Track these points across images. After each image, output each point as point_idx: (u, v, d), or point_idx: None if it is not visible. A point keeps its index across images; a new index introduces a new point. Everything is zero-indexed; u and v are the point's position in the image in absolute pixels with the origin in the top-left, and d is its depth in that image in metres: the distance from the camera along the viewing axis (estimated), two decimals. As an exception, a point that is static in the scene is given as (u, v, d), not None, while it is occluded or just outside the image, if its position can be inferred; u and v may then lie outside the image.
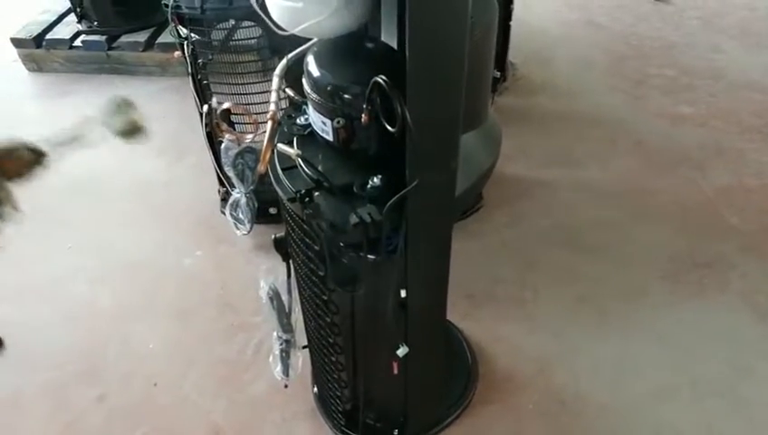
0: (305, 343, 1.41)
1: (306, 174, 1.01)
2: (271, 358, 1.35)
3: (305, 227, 1.01)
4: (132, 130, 1.09)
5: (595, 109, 2.56)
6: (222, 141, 1.63)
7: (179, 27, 1.64)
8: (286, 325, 1.28)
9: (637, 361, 1.62)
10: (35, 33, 2.98)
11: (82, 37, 2.94)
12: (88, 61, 2.94)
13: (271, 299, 1.24)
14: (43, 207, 2.24)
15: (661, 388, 1.56)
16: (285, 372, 1.34)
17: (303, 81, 0.99)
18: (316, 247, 1.01)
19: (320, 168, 1.00)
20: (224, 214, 1.86)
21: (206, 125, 1.79)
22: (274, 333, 1.30)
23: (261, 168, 0.98)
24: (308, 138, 1.06)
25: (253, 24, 1.63)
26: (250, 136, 1.12)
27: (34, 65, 3.04)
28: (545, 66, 2.82)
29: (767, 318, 1.71)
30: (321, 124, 0.98)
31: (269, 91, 1.04)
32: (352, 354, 1.24)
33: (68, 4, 3.04)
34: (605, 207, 2.09)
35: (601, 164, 2.27)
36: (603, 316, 1.74)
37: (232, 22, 1.68)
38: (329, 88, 0.93)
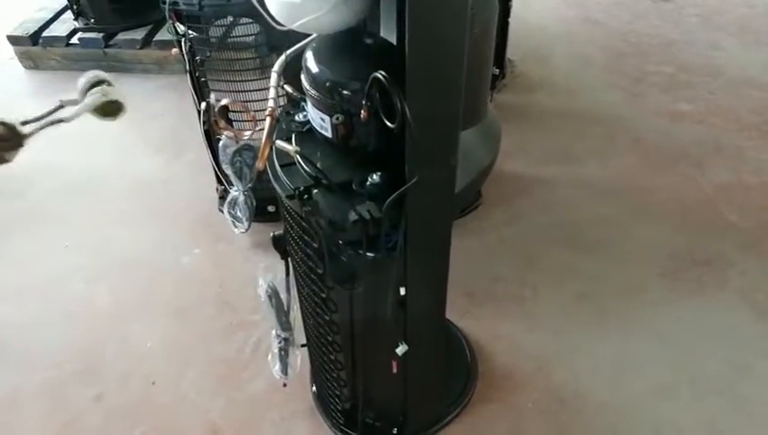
0: (304, 341, 1.40)
1: (305, 171, 1.00)
2: (269, 356, 1.34)
3: (304, 224, 1.00)
4: (110, 108, 1.08)
5: (594, 106, 2.56)
6: (220, 139, 1.63)
7: (177, 24, 1.64)
8: (285, 324, 1.27)
9: (636, 358, 1.62)
10: (32, 31, 2.97)
11: (79, 35, 2.93)
12: (85, 58, 2.93)
13: (269, 297, 1.23)
14: (40, 206, 2.23)
15: (661, 386, 1.56)
16: (284, 370, 1.33)
17: (302, 77, 0.98)
18: (315, 245, 1.00)
19: (318, 165, 0.99)
20: (222, 212, 1.86)
21: (205, 123, 1.78)
22: (273, 332, 1.30)
23: (259, 165, 0.97)
24: (306, 135, 1.05)
25: (251, 20, 1.62)
26: (248, 133, 1.11)
27: (31, 63, 3.03)
28: (544, 63, 2.81)
29: (766, 316, 1.71)
30: (320, 121, 0.98)
31: (267, 89, 1.04)
32: (351, 353, 1.24)
33: (65, 2, 3.02)
34: (604, 204, 2.08)
35: (600, 161, 2.27)
36: (602, 314, 1.74)
37: (230, 18, 1.67)
38: (328, 84, 0.93)
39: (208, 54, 1.70)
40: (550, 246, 1.94)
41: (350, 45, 0.97)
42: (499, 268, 1.87)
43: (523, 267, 1.87)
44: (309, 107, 1.01)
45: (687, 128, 2.42)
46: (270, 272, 1.24)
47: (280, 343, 1.30)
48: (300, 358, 1.35)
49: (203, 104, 1.73)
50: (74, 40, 2.94)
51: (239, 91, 1.71)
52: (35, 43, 2.97)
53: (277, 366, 1.33)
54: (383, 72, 0.83)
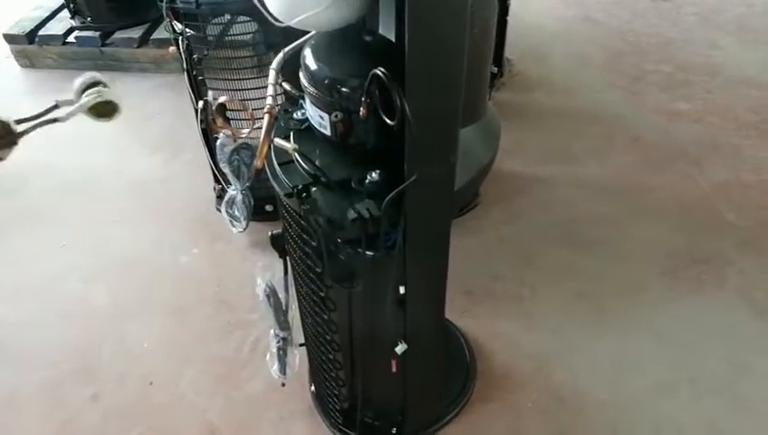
0: (302, 340, 1.39)
1: (303, 169, 1.00)
2: (268, 356, 1.33)
3: (302, 222, 1.00)
4: (104, 109, 1.08)
5: (592, 105, 2.56)
6: (218, 138, 1.62)
7: (174, 22, 1.63)
8: (283, 323, 1.27)
9: (635, 357, 1.62)
10: (28, 30, 2.96)
11: (76, 33, 2.92)
12: (81, 57, 2.92)
13: (267, 296, 1.22)
14: (37, 205, 2.22)
15: (660, 384, 1.56)
16: (282, 370, 1.33)
17: (300, 74, 0.97)
18: (313, 243, 1.00)
19: (317, 162, 0.99)
20: (219, 211, 1.85)
21: (202, 121, 1.77)
22: (271, 331, 1.29)
23: (258, 162, 0.97)
24: (305, 132, 1.05)
25: (248, 18, 1.61)
26: (246, 130, 1.10)
27: (27, 61, 3.02)
28: (542, 62, 2.81)
29: (765, 314, 1.71)
30: (319, 118, 0.97)
31: (265, 87, 1.03)
32: (350, 352, 1.23)
33: (61, 0, 3.01)
34: (603, 203, 2.08)
35: (599, 160, 2.27)
36: (601, 313, 1.74)
37: (227, 17, 1.66)
38: (326, 81, 0.92)
39: (206, 53, 1.70)
40: (548, 244, 1.94)
41: (349, 43, 0.97)
42: (498, 267, 1.87)
43: (521, 266, 1.87)
44: (307, 105, 1.00)
45: (686, 127, 2.42)
46: (268, 271, 1.23)
47: (278, 342, 1.29)
48: (298, 357, 1.34)
49: (200, 103, 1.73)
50: (71, 39, 2.93)
51: (237, 90, 1.70)
52: (32, 42, 2.96)
53: (275, 366, 1.32)
54: (383, 69, 0.83)
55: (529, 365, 1.61)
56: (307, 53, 0.97)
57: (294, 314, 1.29)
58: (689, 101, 2.54)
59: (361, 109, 0.88)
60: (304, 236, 1.02)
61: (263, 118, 0.98)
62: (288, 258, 1.21)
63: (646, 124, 2.43)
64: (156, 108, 2.67)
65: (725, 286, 1.79)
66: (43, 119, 0.95)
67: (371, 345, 1.22)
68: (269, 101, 0.98)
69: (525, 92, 2.62)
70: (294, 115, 1.07)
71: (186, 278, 1.91)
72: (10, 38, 2.97)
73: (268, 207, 1.86)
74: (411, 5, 0.76)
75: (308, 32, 1.01)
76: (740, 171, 2.19)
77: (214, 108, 1.12)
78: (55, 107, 1.06)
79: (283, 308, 1.25)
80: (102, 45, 2.88)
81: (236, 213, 1.74)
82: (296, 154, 0.99)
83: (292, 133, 1.06)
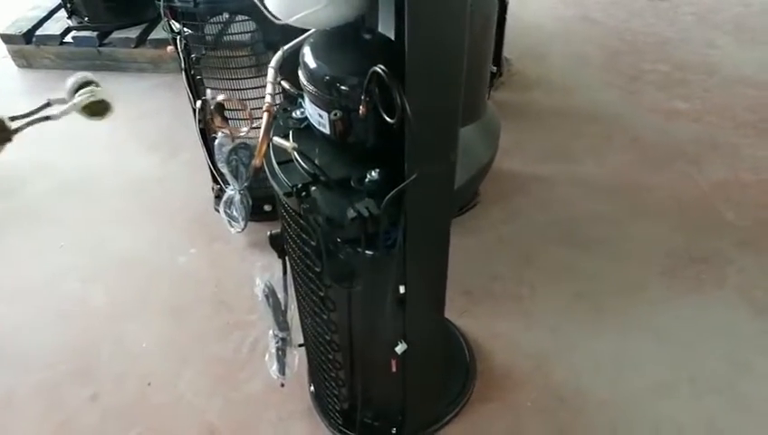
0: (301, 340, 1.39)
1: (303, 168, 0.99)
2: (267, 356, 1.33)
3: (301, 222, 0.99)
4: (97, 108, 1.08)
5: (590, 104, 2.56)
6: (216, 138, 1.62)
7: (172, 22, 1.62)
8: (282, 323, 1.26)
9: (635, 357, 1.62)
10: (25, 30, 2.94)
11: (73, 33, 2.91)
12: (78, 57, 2.90)
13: (266, 296, 1.22)
14: (35, 205, 2.21)
15: (660, 384, 1.56)
16: (281, 370, 1.32)
17: (299, 72, 0.97)
18: (313, 243, 0.99)
19: (316, 161, 0.98)
20: (218, 211, 1.85)
21: (200, 121, 1.76)
22: (270, 331, 1.29)
23: (256, 161, 0.96)
24: (304, 131, 1.04)
25: (247, 17, 1.61)
26: (245, 129, 1.09)
27: (24, 61, 3.00)
28: (540, 62, 2.81)
29: (764, 313, 1.71)
30: (318, 117, 0.97)
31: (263, 87, 1.02)
32: (350, 352, 1.22)
33: (58, 0, 3.00)
34: (602, 202, 2.08)
35: (597, 159, 2.27)
36: (600, 312, 1.73)
37: (225, 16, 1.66)
38: (326, 79, 0.92)
39: (204, 52, 1.69)
40: (547, 244, 1.94)
41: (348, 41, 0.96)
42: (497, 267, 1.87)
43: (520, 266, 1.87)
44: (306, 103, 1.00)
45: (684, 126, 2.42)
46: (267, 271, 1.23)
47: (277, 342, 1.29)
48: (297, 358, 1.34)
49: (198, 102, 1.72)
50: (68, 39, 2.92)
51: (235, 90, 1.70)
52: (29, 42, 2.94)
53: (275, 366, 1.32)
54: (382, 67, 0.82)
55: (528, 365, 1.61)
56: (306, 51, 0.97)
57: (293, 315, 1.29)
58: (687, 101, 2.55)
59: (361, 107, 0.88)
60: (303, 235, 1.01)
61: (261, 117, 0.97)
62: (287, 258, 1.20)
63: (644, 123, 2.43)
64: (153, 108, 2.66)
65: (725, 285, 1.79)
66: (36, 116, 0.95)
67: (371, 345, 1.22)
68: (268, 99, 0.97)
69: (524, 92, 2.62)
70: (293, 114, 1.07)
71: (184, 279, 1.90)
72: (7, 38, 2.96)
73: (267, 207, 1.86)
74: (411, 3, 0.75)
75: (307, 30, 1.01)
76: (738, 170, 2.19)
77: (212, 107, 1.12)
78: (47, 105, 1.06)
79: (282, 308, 1.25)
80: (100, 45, 2.87)
81: (235, 213, 1.73)
82: (295, 153, 0.99)
83: (291, 132, 1.05)
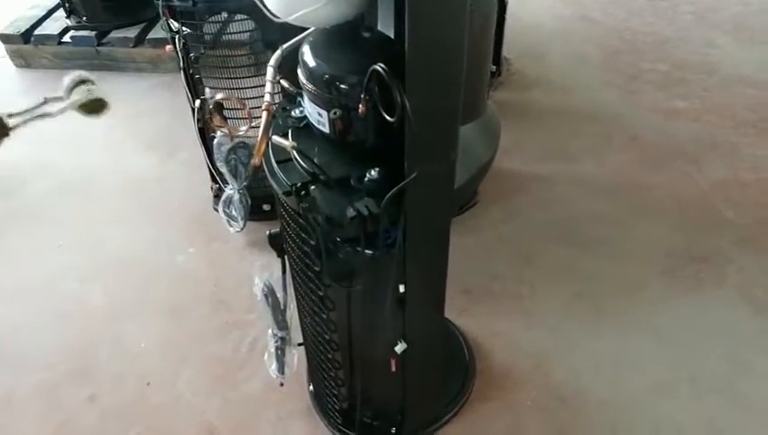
0: (301, 340, 1.39)
1: (302, 167, 0.99)
2: (266, 356, 1.33)
3: (301, 221, 0.99)
4: (94, 105, 1.09)
5: (590, 104, 2.56)
6: (214, 137, 1.61)
7: (171, 21, 1.62)
8: (281, 322, 1.26)
9: (635, 356, 1.62)
10: (23, 29, 2.94)
11: (71, 33, 2.90)
12: (77, 57, 2.90)
13: (265, 296, 1.22)
14: (34, 205, 2.21)
15: (660, 383, 1.55)
16: (281, 369, 1.32)
17: (299, 71, 0.97)
18: (312, 242, 0.99)
19: (316, 160, 0.98)
20: (217, 211, 1.84)
21: (199, 120, 1.76)
22: (269, 331, 1.28)
23: (256, 160, 0.96)
24: (303, 130, 1.04)
25: (245, 17, 1.61)
26: (244, 128, 1.09)
27: (22, 61, 3.00)
28: (540, 61, 2.81)
29: (764, 312, 1.71)
30: (317, 116, 0.96)
31: (262, 86, 1.02)
32: (349, 351, 1.22)
33: (57, 0, 2.99)
34: (601, 201, 2.08)
35: (597, 159, 2.26)
36: (600, 312, 1.73)
37: (224, 15, 1.65)
38: (325, 78, 0.91)
39: (202, 51, 1.69)
40: (547, 243, 1.94)
41: (348, 39, 0.96)
42: (497, 266, 1.86)
43: (520, 265, 1.87)
44: (306, 102, 1.00)
45: (683, 125, 2.42)
46: (266, 270, 1.22)
47: (276, 342, 1.29)
48: (297, 357, 1.34)
49: (197, 102, 1.72)
50: (66, 38, 2.91)
51: (234, 89, 1.69)
52: (27, 42, 2.94)
53: (274, 365, 1.32)
54: (382, 65, 0.82)
55: (528, 364, 1.60)
56: (305, 49, 0.96)
57: (293, 314, 1.29)
58: (686, 100, 2.54)
59: (360, 106, 0.88)
60: (303, 234, 1.01)
61: (260, 116, 0.97)
62: (286, 257, 1.20)
63: (643, 123, 2.43)
64: (152, 107, 2.66)
65: (725, 284, 1.79)
66: (34, 114, 0.96)
67: (370, 345, 1.21)
68: (267, 98, 0.97)
69: (523, 91, 2.61)
70: (292, 113, 1.06)
71: (183, 278, 1.90)
72: (5, 38, 2.95)
73: (266, 207, 1.86)
74: (411, 2, 0.75)
75: (306, 28, 1.01)
76: (738, 169, 2.19)
77: (211, 106, 1.11)
78: (44, 103, 1.07)
79: (282, 308, 1.24)
80: (98, 45, 2.87)
81: (234, 212, 1.73)
82: (294, 152, 0.98)
83: (290, 131, 1.05)
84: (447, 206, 1.05)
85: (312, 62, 0.94)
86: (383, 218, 0.93)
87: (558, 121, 2.45)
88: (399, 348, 1.15)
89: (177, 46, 1.66)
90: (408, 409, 1.36)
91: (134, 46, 2.86)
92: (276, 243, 1.18)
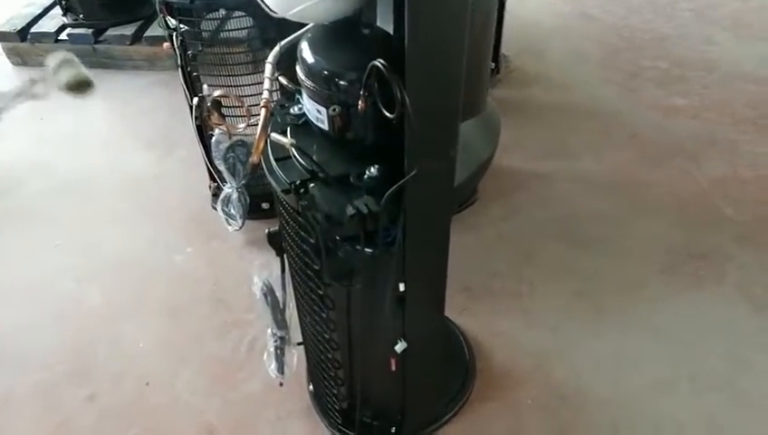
0: (300, 339, 1.38)
1: (301, 164, 0.98)
2: (265, 355, 1.32)
3: (300, 219, 0.98)
4: (79, 84, 1.08)
5: (589, 101, 2.55)
6: (212, 135, 1.60)
7: (168, 18, 1.61)
8: (281, 322, 1.25)
9: (635, 355, 1.61)
10: (20, 27, 2.92)
11: (68, 30, 2.89)
12: (74, 54, 2.88)
13: (265, 295, 1.21)
14: (30, 204, 2.20)
15: (660, 381, 1.55)
16: (280, 369, 1.31)
17: (297, 68, 0.96)
18: (311, 241, 0.98)
19: (315, 158, 0.97)
20: (215, 209, 1.83)
21: (197, 118, 1.75)
22: (269, 330, 1.27)
23: (254, 158, 0.95)
24: (302, 127, 1.03)
25: (243, 13, 1.60)
26: (242, 126, 1.08)
27: (18, 59, 2.98)
28: (539, 58, 2.80)
29: (764, 310, 1.71)
30: (316, 113, 0.95)
31: (260, 84, 1.01)
32: (349, 351, 1.21)
33: (53, -3, 2.99)
34: (601, 199, 2.07)
35: (596, 156, 2.26)
36: (600, 310, 1.73)
37: (222, 12, 1.64)
38: (324, 74, 0.90)
39: (200, 49, 1.68)
40: (547, 241, 1.93)
41: (347, 35, 0.95)
42: (496, 264, 1.86)
43: (520, 263, 1.86)
44: (304, 99, 0.99)
45: (682, 122, 2.41)
46: (265, 269, 1.22)
47: (276, 341, 1.28)
48: (296, 357, 1.33)
49: (195, 99, 1.71)
50: (63, 36, 2.90)
51: (232, 86, 1.68)
52: (23, 40, 2.92)
53: (273, 365, 1.31)
54: (382, 61, 0.81)
55: (529, 363, 1.60)
56: (304, 45, 0.95)
57: (292, 313, 1.28)
58: (686, 97, 2.54)
59: (360, 102, 0.87)
60: (302, 233, 1.00)
61: (258, 114, 0.96)
62: (285, 256, 1.19)
63: (643, 120, 2.42)
64: (150, 105, 2.64)
65: (724, 282, 1.79)
66: (21, 95, 0.95)
67: (370, 344, 1.20)
68: (265, 95, 0.96)
69: (522, 88, 2.61)
70: (291, 110, 1.06)
71: (181, 278, 1.89)
72: (1, 36, 2.94)
73: (264, 205, 1.85)
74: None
75: (304, 25, 1.00)
76: (737, 166, 2.19)
77: (209, 104, 1.10)
78: (32, 83, 1.06)
79: (281, 307, 1.24)
80: (95, 43, 2.85)
81: (232, 211, 1.72)
82: (293, 149, 0.97)
83: (288, 128, 1.04)
84: (447, 203, 1.04)
85: (310, 59, 0.93)
86: (383, 216, 0.92)
87: (557, 119, 2.44)
88: (399, 347, 1.15)
89: (175, 43, 1.65)
90: (407, 408, 1.36)
91: (131, 44, 2.85)
92: (275, 241, 1.17)
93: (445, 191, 0.99)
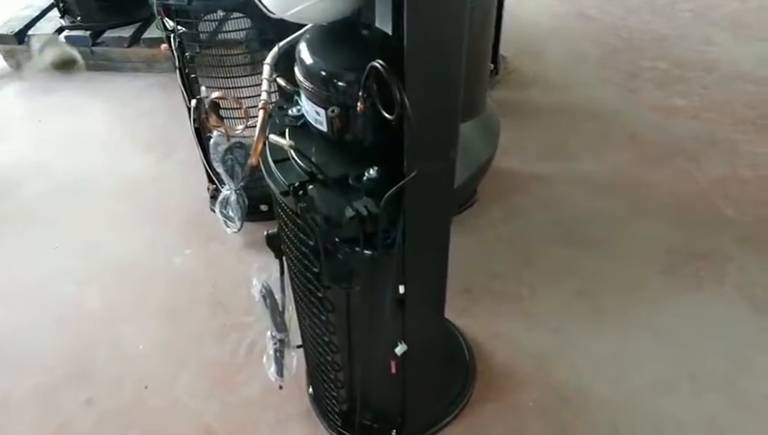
0: (300, 342, 1.37)
1: (299, 166, 0.98)
2: (264, 358, 1.31)
3: (299, 221, 0.98)
4: (64, 63, 1.09)
5: (588, 102, 2.55)
6: (211, 137, 1.60)
7: (166, 20, 1.60)
8: (280, 324, 1.24)
9: (636, 355, 1.61)
10: (17, 29, 2.92)
11: (66, 33, 2.88)
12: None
13: (264, 297, 1.20)
14: (29, 207, 2.19)
15: (661, 382, 1.54)
16: (279, 372, 1.30)
17: (296, 69, 0.95)
18: (310, 243, 0.97)
19: (313, 159, 0.96)
20: (213, 211, 1.83)
21: (195, 120, 1.75)
22: (268, 333, 1.27)
23: (253, 160, 0.94)
24: (301, 129, 1.03)
25: (241, 15, 1.59)
26: (240, 128, 1.08)
27: (15, 62, 2.97)
28: (537, 59, 2.80)
29: (764, 311, 1.70)
30: (315, 114, 0.95)
31: (259, 85, 1.01)
32: (348, 353, 1.21)
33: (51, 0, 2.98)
34: (601, 200, 2.07)
35: (596, 157, 2.26)
36: (601, 311, 1.72)
37: (220, 13, 1.64)
38: (322, 75, 0.90)
39: (198, 51, 1.67)
40: (547, 243, 1.93)
41: (345, 36, 0.95)
42: (496, 266, 1.85)
43: (520, 265, 1.85)
44: (303, 100, 0.98)
45: (682, 123, 2.41)
46: (264, 272, 1.21)
47: (275, 344, 1.27)
48: (296, 359, 1.32)
49: (193, 101, 1.71)
50: (61, 38, 2.88)
51: (230, 88, 1.68)
52: (21, 42, 2.92)
53: (272, 368, 1.30)
54: (381, 62, 0.81)
55: (529, 364, 1.59)
56: (302, 46, 0.95)
57: (291, 316, 1.27)
58: (685, 98, 2.54)
59: (359, 103, 0.86)
60: (301, 235, 1.00)
61: (257, 115, 0.95)
62: (284, 258, 1.18)
63: (642, 121, 2.42)
64: (148, 107, 2.64)
65: (725, 283, 1.78)
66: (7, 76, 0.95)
67: (370, 346, 1.20)
68: (263, 96, 0.96)
69: (521, 89, 2.61)
70: (290, 112, 1.05)
71: (180, 280, 1.88)
72: (-1, 38, 2.94)
73: (263, 207, 1.84)
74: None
75: (302, 26, 0.99)
76: (737, 167, 2.18)
77: (207, 106, 1.10)
78: (17, 64, 1.06)
79: (280, 309, 1.23)
80: (93, 45, 2.85)
81: (231, 213, 1.71)
82: (292, 151, 0.97)
83: (287, 130, 1.04)
84: (447, 205, 1.03)
85: (309, 60, 0.93)
86: (382, 218, 0.92)
87: (556, 120, 2.44)
88: (399, 349, 1.14)
89: (173, 45, 1.64)
90: (408, 411, 1.35)
91: (129, 46, 2.85)
92: (274, 244, 1.17)
93: (444, 193, 0.98)
